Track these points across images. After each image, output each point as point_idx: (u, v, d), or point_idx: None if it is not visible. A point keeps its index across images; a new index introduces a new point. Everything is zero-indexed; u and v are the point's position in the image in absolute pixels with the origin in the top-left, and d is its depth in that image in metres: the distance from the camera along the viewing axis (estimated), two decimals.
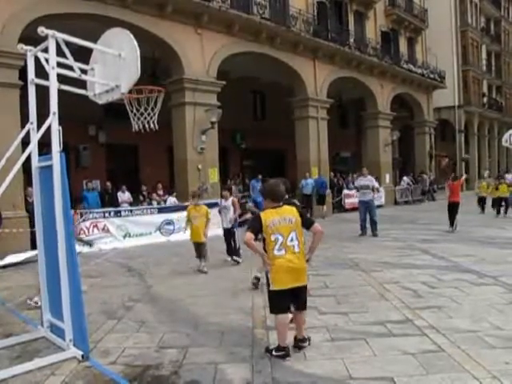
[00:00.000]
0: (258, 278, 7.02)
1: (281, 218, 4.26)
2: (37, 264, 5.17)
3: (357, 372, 3.94)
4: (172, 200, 14.58)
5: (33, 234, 9.22)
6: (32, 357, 4.45)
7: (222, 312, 5.89)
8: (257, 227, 4.27)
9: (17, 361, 4.38)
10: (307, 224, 4.39)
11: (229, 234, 9.67)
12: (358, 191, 13.63)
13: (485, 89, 41.44)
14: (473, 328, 4.90)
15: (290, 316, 4.47)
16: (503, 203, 17.02)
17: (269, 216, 4.28)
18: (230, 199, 9.68)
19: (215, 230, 14.45)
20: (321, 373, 3.97)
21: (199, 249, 8.91)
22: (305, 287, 4.40)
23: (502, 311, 5.47)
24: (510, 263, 8.29)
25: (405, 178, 26.65)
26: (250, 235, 4.21)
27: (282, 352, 4.27)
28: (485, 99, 40.77)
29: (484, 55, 41.64)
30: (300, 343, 4.50)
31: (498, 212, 16.93)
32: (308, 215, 4.63)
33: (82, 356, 4.35)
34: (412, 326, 5.08)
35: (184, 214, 13.68)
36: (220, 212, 10.07)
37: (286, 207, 4.40)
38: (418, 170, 29.06)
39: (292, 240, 4.25)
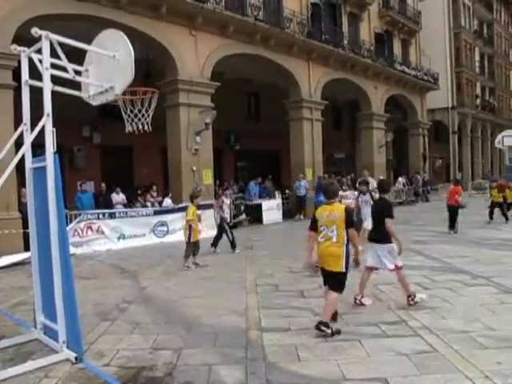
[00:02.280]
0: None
1: (329, 213, 5.07)
2: (30, 265, 5.15)
3: (351, 373, 3.95)
4: (168, 201, 14.55)
5: (26, 236, 9.18)
6: (25, 359, 4.43)
7: (215, 313, 5.89)
8: (312, 221, 5.21)
9: (10, 363, 4.35)
10: (347, 225, 5.04)
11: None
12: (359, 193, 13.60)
13: (478, 91, 41.71)
14: (466, 328, 4.92)
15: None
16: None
17: (321, 211, 5.18)
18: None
19: (208, 232, 14.55)
20: (315, 374, 3.98)
21: (197, 247, 9.36)
22: (334, 273, 4.98)
23: (494, 312, 5.50)
24: (503, 264, 8.34)
25: (400, 178, 26.74)
26: (309, 230, 5.22)
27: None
28: (478, 101, 41.04)
29: (477, 57, 41.91)
30: (321, 326, 4.84)
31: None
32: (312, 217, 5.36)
33: (76, 358, 4.33)
34: (406, 326, 5.10)
35: (178, 215, 13.84)
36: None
37: (337, 205, 5.19)
38: (412, 172, 29.17)
39: (332, 231, 4.98)
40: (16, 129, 4.98)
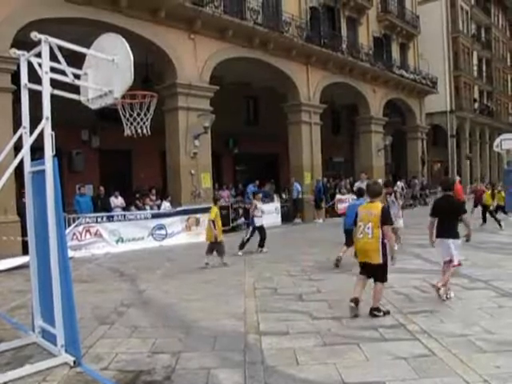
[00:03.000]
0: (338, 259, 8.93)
1: (367, 211, 5.62)
2: (28, 269, 5.14)
3: (349, 377, 3.95)
4: (166, 205, 14.55)
5: (25, 239, 9.17)
6: (23, 363, 4.41)
7: (214, 317, 5.88)
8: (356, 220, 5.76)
9: (8, 367, 4.33)
10: (382, 222, 5.49)
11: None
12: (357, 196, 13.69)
13: (476, 94, 41.79)
14: (464, 332, 4.93)
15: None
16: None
17: (361, 209, 5.76)
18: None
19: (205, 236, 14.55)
20: (313, 377, 3.97)
21: (222, 246, 9.86)
22: (375, 265, 5.52)
23: (493, 315, 5.50)
24: (502, 267, 8.35)
25: (398, 182, 26.73)
26: (354, 224, 5.80)
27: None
28: (476, 105, 41.11)
29: (475, 61, 42.02)
30: (374, 311, 5.51)
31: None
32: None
33: (74, 362, 4.32)
34: (404, 330, 5.10)
35: (176, 218, 13.86)
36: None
37: (376, 204, 5.67)
38: (410, 175, 29.19)
39: (368, 228, 5.48)
40: (15, 132, 4.99)
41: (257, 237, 11.42)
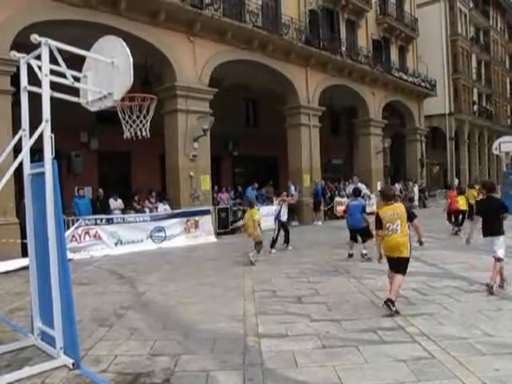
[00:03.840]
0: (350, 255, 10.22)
1: (392, 212, 6.21)
2: (27, 271, 5.14)
3: (348, 379, 3.95)
4: (163, 207, 14.52)
5: (24, 241, 9.17)
6: (22, 365, 4.41)
7: (213, 319, 5.88)
8: (377, 221, 6.30)
9: (6, 369, 4.33)
10: (409, 219, 6.21)
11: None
12: (349, 198, 13.81)
13: (475, 97, 41.87)
14: (463, 335, 4.93)
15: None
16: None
17: (384, 211, 6.30)
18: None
19: (206, 238, 14.56)
20: (312, 380, 3.97)
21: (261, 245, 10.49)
22: (403, 258, 6.10)
23: (492, 318, 5.51)
24: None
25: (396, 185, 26.75)
26: (376, 229, 6.37)
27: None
28: (475, 107, 41.18)
29: (474, 64, 42.10)
30: (389, 303, 5.74)
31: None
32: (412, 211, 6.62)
33: (73, 364, 4.32)
34: (403, 333, 5.10)
35: (175, 220, 13.88)
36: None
37: (396, 204, 6.40)
38: (412, 178, 29.14)
39: (397, 226, 6.10)
40: (14, 134, 4.99)
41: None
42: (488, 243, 6.97)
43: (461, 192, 15.02)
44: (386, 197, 6.51)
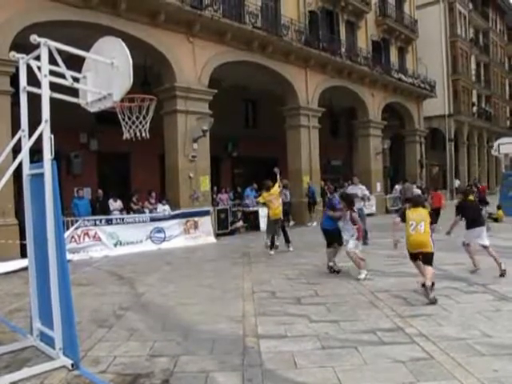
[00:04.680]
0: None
1: (418, 214, 7.07)
2: (26, 272, 5.14)
3: (347, 380, 3.95)
4: (162, 208, 14.50)
5: (23, 242, 9.16)
6: (21, 366, 4.41)
7: (212, 320, 5.88)
8: (402, 214, 7.38)
9: (5, 370, 4.33)
10: (431, 221, 7.21)
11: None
12: None
13: (474, 98, 41.89)
14: (462, 336, 4.93)
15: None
16: None
17: (411, 212, 7.15)
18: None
19: (205, 239, 14.54)
20: (311, 381, 3.98)
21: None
22: (428, 253, 6.93)
23: (491, 319, 5.51)
24: (499, 271, 8.34)
25: (396, 186, 26.73)
26: (398, 219, 7.39)
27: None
28: (474, 109, 41.20)
29: (473, 65, 42.13)
30: (425, 287, 6.47)
31: None
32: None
33: (72, 365, 4.32)
34: (402, 333, 5.11)
35: (174, 221, 13.87)
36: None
37: (421, 208, 7.28)
38: (409, 179, 29.12)
39: (421, 226, 6.88)
40: (14, 135, 4.99)
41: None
42: (469, 235, 8.50)
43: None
44: (414, 202, 7.54)
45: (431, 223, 7.15)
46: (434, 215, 15.30)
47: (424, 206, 7.64)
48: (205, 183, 16.06)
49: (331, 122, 28.14)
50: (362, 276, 8.11)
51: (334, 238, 8.88)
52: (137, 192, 15.73)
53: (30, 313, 5.11)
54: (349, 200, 8.82)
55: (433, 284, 6.65)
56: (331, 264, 8.88)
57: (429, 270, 6.80)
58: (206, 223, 14.78)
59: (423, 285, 6.53)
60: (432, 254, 6.98)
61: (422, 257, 7.01)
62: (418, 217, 6.98)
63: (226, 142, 22.15)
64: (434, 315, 5.74)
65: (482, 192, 18.19)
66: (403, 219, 7.18)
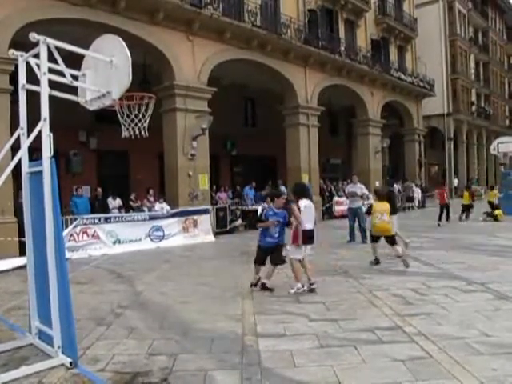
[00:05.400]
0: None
1: (380, 206, 9.11)
2: (25, 270, 5.13)
3: (346, 379, 3.95)
4: (160, 206, 14.49)
5: (21, 240, 9.16)
6: (19, 364, 4.39)
7: (211, 319, 5.87)
8: (369, 208, 9.57)
9: (3, 369, 4.31)
10: (391, 212, 9.33)
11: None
12: (348, 198, 13.86)
13: (473, 97, 41.94)
14: (461, 335, 4.93)
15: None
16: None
17: (376, 205, 9.20)
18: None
19: (204, 237, 14.54)
20: (310, 380, 3.97)
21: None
22: (390, 235, 9.05)
23: (490, 318, 5.51)
24: (498, 270, 8.37)
25: (395, 185, 26.73)
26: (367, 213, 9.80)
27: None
28: (473, 108, 41.25)
29: (472, 64, 42.17)
30: (399, 257, 8.84)
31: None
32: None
33: (71, 363, 4.31)
34: (401, 332, 5.10)
35: (173, 220, 13.85)
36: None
37: (385, 202, 9.21)
38: (408, 178, 29.17)
39: (383, 216, 8.94)
40: (12, 133, 4.98)
41: None
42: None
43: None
44: (379, 196, 9.47)
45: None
46: (440, 212, 16.93)
47: (386, 199, 9.39)
48: (204, 182, 16.05)
49: (330, 120, 28.17)
50: (292, 291, 6.90)
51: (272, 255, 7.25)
52: (139, 181, 15.62)
53: (28, 311, 5.10)
54: (299, 191, 7.48)
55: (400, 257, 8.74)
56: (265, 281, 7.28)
57: (395, 247, 8.97)
58: (205, 222, 14.77)
59: (398, 256, 8.78)
60: (393, 236, 9.14)
61: (386, 239, 9.00)
62: (382, 208, 9.01)
63: (225, 141, 22.15)
64: (433, 314, 5.74)
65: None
66: (369, 212, 9.29)
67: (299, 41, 19.57)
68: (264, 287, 7.23)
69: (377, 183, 25.06)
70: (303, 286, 7.00)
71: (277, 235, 7.15)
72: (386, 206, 9.07)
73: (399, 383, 3.83)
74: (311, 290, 6.98)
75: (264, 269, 7.37)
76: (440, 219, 16.83)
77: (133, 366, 4.38)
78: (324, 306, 6.35)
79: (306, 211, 7.14)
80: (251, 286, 7.34)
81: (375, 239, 9.26)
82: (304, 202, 7.21)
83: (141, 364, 4.42)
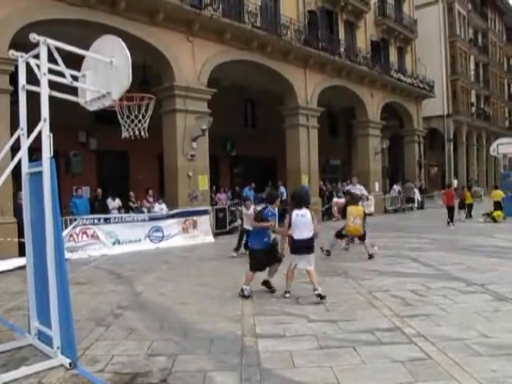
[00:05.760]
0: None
1: (355, 210, 10.23)
2: (24, 270, 5.13)
3: (346, 380, 3.95)
4: (159, 207, 14.48)
5: (21, 241, 9.15)
6: (19, 365, 4.40)
7: (210, 320, 5.88)
8: (344, 211, 10.50)
9: (3, 369, 4.32)
10: (364, 217, 10.41)
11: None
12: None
13: (473, 99, 41.99)
14: (460, 336, 4.94)
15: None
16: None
17: (351, 209, 10.25)
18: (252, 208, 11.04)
19: (203, 238, 14.53)
20: (309, 381, 3.98)
21: None
22: (361, 235, 10.33)
23: (489, 319, 5.52)
24: (498, 271, 8.38)
25: (395, 186, 26.77)
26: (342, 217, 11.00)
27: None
28: (473, 109, 41.30)
29: (472, 66, 42.23)
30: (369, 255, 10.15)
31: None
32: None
33: (70, 364, 4.31)
34: (401, 333, 5.11)
35: (173, 221, 13.85)
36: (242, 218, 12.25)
37: (359, 207, 10.65)
38: (408, 179, 29.17)
39: (356, 219, 10.02)
40: (12, 133, 4.98)
41: None
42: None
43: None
44: (353, 199, 10.88)
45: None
46: (449, 212, 17.25)
47: (358, 204, 10.69)
48: (203, 182, 16.05)
49: (330, 121, 28.17)
50: (287, 295, 6.95)
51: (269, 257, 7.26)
52: (139, 179, 15.62)
53: (28, 311, 5.10)
54: (296, 200, 7.24)
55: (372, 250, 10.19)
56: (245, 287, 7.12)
57: (365, 242, 10.28)
58: (205, 222, 14.77)
59: (369, 254, 10.04)
60: (364, 234, 10.31)
61: (358, 238, 10.60)
62: (356, 212, 10.11)
63: (224, 142, 22.15)
64: (433, 315, 5.74)
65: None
66: (344, 215, 10.46)
67: (299, 42, 19.57)
68: (267, 285, 7.31)
69: (376, 185, 25.11)
70: (287, 292, 7.00)
71: (270, 236, 7.28)
72: (360, 211, 10.30)
73: None
74: (319, 296, 6.63)
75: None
76: (452, 220, 17.10)
77: (132, 366, 4.38)
78: (323, 306, 6.36)
79: (298, 220, 6.87)
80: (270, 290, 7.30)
81: (341, 237, 10.74)
82: (298, 212, 6.92)
83: (140, 365, 4.42)
